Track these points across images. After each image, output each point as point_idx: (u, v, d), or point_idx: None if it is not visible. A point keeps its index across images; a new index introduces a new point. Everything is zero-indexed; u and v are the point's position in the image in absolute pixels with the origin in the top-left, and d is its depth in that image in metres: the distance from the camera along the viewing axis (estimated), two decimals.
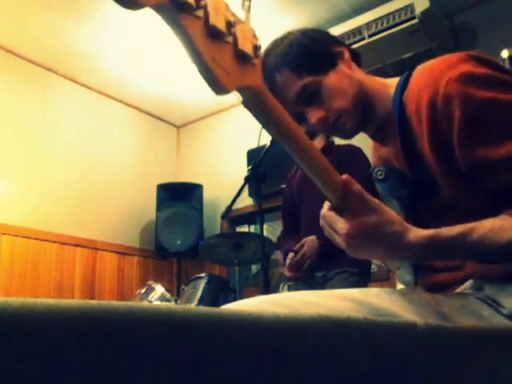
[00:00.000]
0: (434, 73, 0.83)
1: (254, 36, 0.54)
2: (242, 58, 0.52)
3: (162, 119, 4.88)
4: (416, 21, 3.08)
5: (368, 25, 3.22)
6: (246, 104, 0.57)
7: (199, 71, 0.49)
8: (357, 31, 3.22)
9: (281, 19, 3.36)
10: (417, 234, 0.73)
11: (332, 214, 0.73)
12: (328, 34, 1.00)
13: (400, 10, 3.13)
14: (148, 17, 3.44)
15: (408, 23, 3.11)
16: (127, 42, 3.72)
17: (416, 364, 0.58)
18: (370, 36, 3.22)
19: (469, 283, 0.82)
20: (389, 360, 0.55)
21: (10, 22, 3.45)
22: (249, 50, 0.52)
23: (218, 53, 0.49)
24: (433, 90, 0.81)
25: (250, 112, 0.59)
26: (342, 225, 0.71)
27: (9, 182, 3.52)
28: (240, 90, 0.54)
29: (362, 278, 2.24)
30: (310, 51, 0.93)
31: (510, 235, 0.70)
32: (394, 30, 3.16)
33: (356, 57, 1.00)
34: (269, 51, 0.95)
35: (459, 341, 0.65)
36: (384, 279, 3.10)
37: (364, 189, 0.72)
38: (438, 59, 0.86)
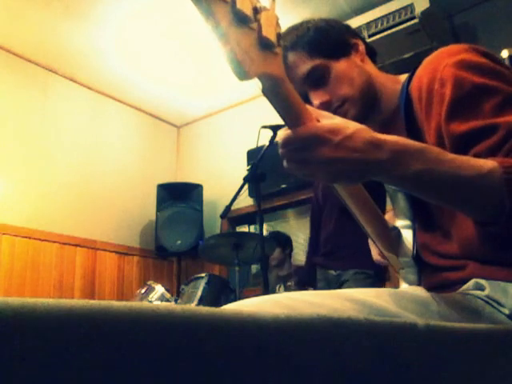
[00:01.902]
0: (435, 60, 0.85)
1: (278, 24, 0.54)
2: (265, 45, 0.52)
3: (162, 119, 4.88)
4: (416, 21, 3.08)
5: (368, 25, 3.22)
6: (265, 92, 0.57)
7: (224, 55, 0.49)
8: (357, 31, 3.22)
9: (281, 19, 3.35)
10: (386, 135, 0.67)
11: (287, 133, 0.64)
12: (347, 25, 1.03)
13: (400, 9, 3.13)
14: (148, 17, 3.45)
15: (408, 23, 3.11)
16: (127, 41, 3.72)
17: (416, 364, 0.58)
18: (370, 36, 3.22)
19: (470, 283, 0.82)
20: (389, 360, 0.55)
21: (10, 22, 3.45)
22: (272, 37, 0.52)
23: (243, 38, 0.49)
24: (431, 76, 0.83)
25: (267, 100, 0.59)
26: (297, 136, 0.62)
27: (9, 182, 3.52)
28: (261, 77, 0.54)
29: (377, 279, 2.28)
30: (325, 35, 0.95)
31: (485, 167, 0.66)
32: (393, 29, 3.16)
33: (371, 52, 1.01)
34: (286, 34, 0.97)
35: (459, 341, 0.65)
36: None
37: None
38: (441, 49, 0.87)
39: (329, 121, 0.65)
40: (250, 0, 0.49)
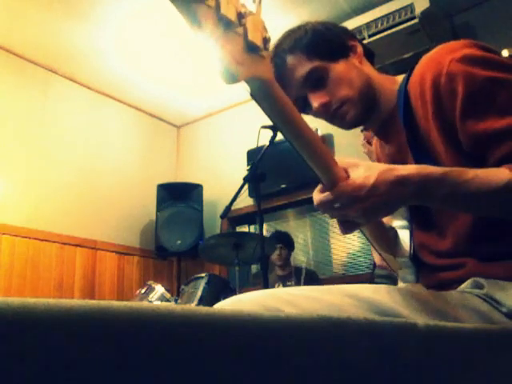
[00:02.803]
0: (437, 56, 0.86)
1: (264, 28, 0.55)
2: (251, 49, 0.52)
3: (162, 119, 4.88)
4: (416, 21, 3.08)
5: (368, 25, 3.22)
6: (253, 95, 0.58)
7: (211, 60, 0.50)
8: (357, 31, 3.22)
9: (281, 19, 3.36)
10: (405, 166, 0.73)
11: (322, 196, 0.73)
12: (344, 27, 1.03)
13: (400, 9, 3.13)
14: (148, 17, 3.44)
15: (408, 23, 3.11)
16: (127, 41, 3.72)
17: (416, 364, 0.58)
18: (370, 36, 3.22)
19: (469, 281, 0.82)
20: (389, 360, 0.55)
21: (11, 22, 3.45)
22: (258, 41, 0.53)
23: (229, 43, 0.49)
24: (436, 70, 0.83)
25: (256, 103, 0.59)
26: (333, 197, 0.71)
27: (9, 182, 3.52)
28: (249, 80, 0.54)
29: None
30: (323, 38, 0.95)
31: (503, 181, 0.71)
32: (393, 29, 3.16)
33: (369, 54, 1.01)
34: (284, 37, 0.97)
35: (459, 341, 0.65)
36: None
37: None
38: (441, 45, 0.88)
39: (354, 174, 0.71)
40: (234, 5, 0.50)
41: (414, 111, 0.88)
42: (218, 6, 0.47)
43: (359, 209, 0.71)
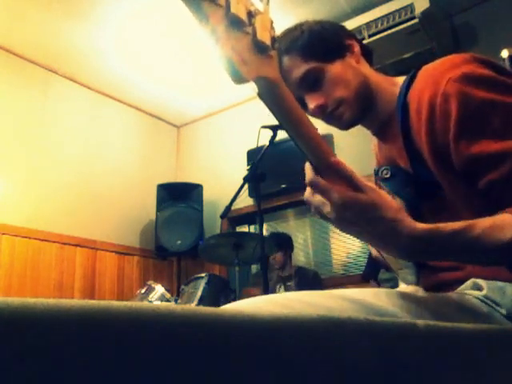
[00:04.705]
0: (436, 73, 0.84)
1: (272, 27, 0.54)
2: (259, 48, 0.52)
3: (162, 119, 4.88)
4: (416, 21, 3.08)
5: (368, 25, 3.22)
6: (261, 95, 0.57)
7: (219, 59, 0.49)
8: (357, 31, 3.22)
9: (281, 19, 3.35)
10: (413, 225, 0.67)
11: (325, 182, 0.67)
12: (342, 26, 1.01)
13: (400, 9, 3.13)
14: (148, 17, 3.44)
15: (408, 23, 3.11)
16: (127, 41, 3.72)
17: (416, 364, 0.58)
18: (370, 36, 3.22)
19: (468, 283, 0.82)
20: (389, 360, 0.55)
21: (10, 22, 3.45)
22: (267, 41, 0.52)
23: (238, 42, 0.49)
24: (433, 89, 0.82)
25: (264, 103, 0.59)
26: (336, 194, 0.65)
27: (9, 182, 3.52)
28: (256, 80, 0.54)
29: None
30: (319, 38, 0.94)
31: (509, 235, 0.67)
32: (393, 29, 3.16)
33: (367, 53, 1.00)
34: (281, 36, 0.96)
35: (459, 341, 0.65)
36: None
37: None
38: (442, 59, 0.86)
39: (384, 199, 0.66)
40: (244, 4, 0.49)
41: (411, 124, 0.88)
42: (228, 5, 0.47)
43: (338, 217, 0.66)
